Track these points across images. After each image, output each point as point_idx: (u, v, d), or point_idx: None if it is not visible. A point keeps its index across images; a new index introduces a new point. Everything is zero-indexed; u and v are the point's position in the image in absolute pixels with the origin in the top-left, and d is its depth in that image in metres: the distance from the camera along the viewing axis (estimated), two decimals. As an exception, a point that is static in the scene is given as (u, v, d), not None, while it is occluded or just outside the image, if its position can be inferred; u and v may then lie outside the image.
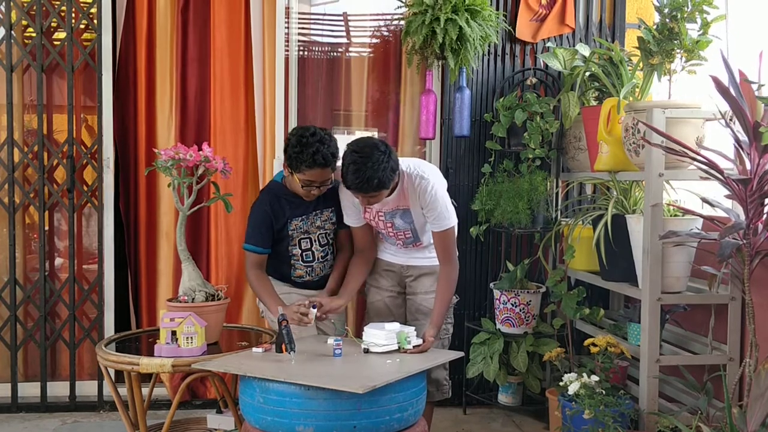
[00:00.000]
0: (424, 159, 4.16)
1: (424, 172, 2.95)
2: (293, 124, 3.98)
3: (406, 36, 3.75)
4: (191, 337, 2.75)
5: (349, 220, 3.11)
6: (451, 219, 2.99)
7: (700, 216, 2.98)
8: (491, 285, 3.84)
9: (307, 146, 2.87)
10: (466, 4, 3.58)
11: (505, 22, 3.99)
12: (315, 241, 3.16)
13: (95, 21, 3.83)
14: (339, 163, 2.92)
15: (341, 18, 4.29)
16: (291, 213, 3.08)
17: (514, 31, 4.04)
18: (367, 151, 2.75)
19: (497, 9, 3.95)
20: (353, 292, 3.17)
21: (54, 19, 3.83)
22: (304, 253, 3.14)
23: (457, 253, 3.10)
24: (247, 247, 3.11)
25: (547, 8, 4.04)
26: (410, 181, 2.95)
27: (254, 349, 2.74)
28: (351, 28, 4.33)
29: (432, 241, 3.09)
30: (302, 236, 3.13)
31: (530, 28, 4.05)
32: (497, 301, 3.73)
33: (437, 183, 2.97)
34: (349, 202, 3.04)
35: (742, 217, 2.64)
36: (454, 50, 3.65)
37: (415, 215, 3.01)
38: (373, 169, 2.73)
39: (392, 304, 3.20)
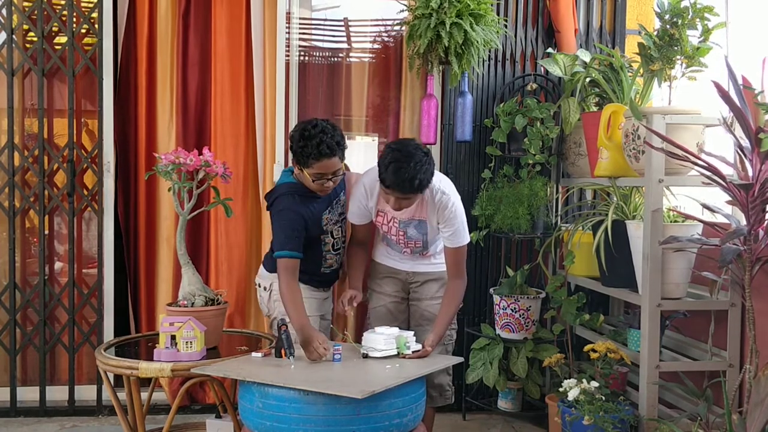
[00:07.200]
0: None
1: (445, 188, 2.94)
2: (294, 128, 3.99)
3: (409, 39, 3.74)
4: (191, 342, 2.75)
5: (353, 218, 3.05)
6: (466, 236, 3.00)
7: (701, 222, 2.98)
8: (491, 290, 3.83)
9: (310, 138, 2.79)
10: (470, 8, 3.59)
11: (511, 29, 3.99)
12: (340, 227, 3.11)
13: (96, 25, 3.83)
14: (354, 174, 2.89)
15: (342, 23, 4.29)
16: (320, 208, 2.98)
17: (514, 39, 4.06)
18: (410, 151, 2.73)
19: (498, 15, 3.96)
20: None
21: (55, 24, 3.83)
22: (335, 242, 3.08)
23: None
24: (283, 254, 2.86)
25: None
26: (431, 194, 2.93)
27: (254, 354, 2.74)
28: (352, 34, 4.33)
29: (438, 249, 3.07)
30: (333, 226, 3.06)
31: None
32: (497, 307, 3.73)
33: (457, 200, 2.97)
34: (360, 203, 3.00)
35: (743, 223, 2.64)
36: (458, 54, 3.65)
37: (430, 228, 2.99)
38: (415, 170, 2.70)
39: (395, 310, 3.18)
